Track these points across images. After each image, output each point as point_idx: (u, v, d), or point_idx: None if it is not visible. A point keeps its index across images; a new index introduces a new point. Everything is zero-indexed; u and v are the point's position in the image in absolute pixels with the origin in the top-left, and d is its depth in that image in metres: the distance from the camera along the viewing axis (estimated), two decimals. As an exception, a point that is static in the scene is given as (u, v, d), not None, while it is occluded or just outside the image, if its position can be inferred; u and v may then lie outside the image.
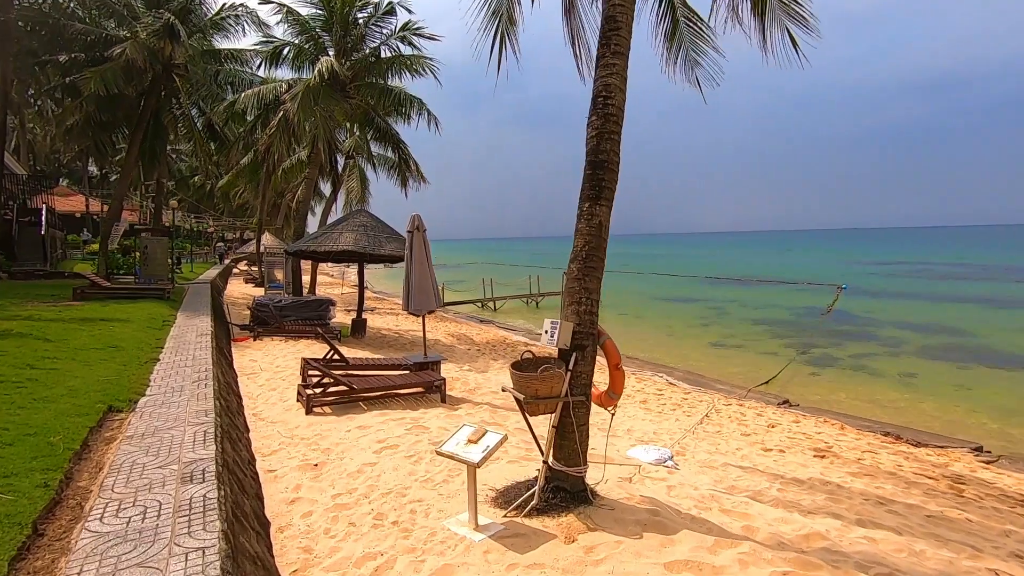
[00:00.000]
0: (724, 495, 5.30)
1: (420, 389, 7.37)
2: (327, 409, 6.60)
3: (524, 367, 4.26)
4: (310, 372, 7.98)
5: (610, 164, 4.34)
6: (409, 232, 8.06)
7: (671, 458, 6.36)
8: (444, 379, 7.38)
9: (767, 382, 12.93)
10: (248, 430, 5.75)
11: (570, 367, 4.15)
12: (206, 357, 6.89)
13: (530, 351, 4.35)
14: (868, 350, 17.03)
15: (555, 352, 4.39)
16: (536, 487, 4.01)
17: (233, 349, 10.52)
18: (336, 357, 8.31)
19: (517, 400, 4.08)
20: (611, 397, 4.47)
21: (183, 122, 17.17)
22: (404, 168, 15.95)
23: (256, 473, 4.55)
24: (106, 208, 29.76)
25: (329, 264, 34.97)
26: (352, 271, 45.40)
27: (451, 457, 3.83)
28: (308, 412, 6.36)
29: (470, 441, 3.90)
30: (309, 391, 6.58)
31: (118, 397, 5.02)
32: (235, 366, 8.70)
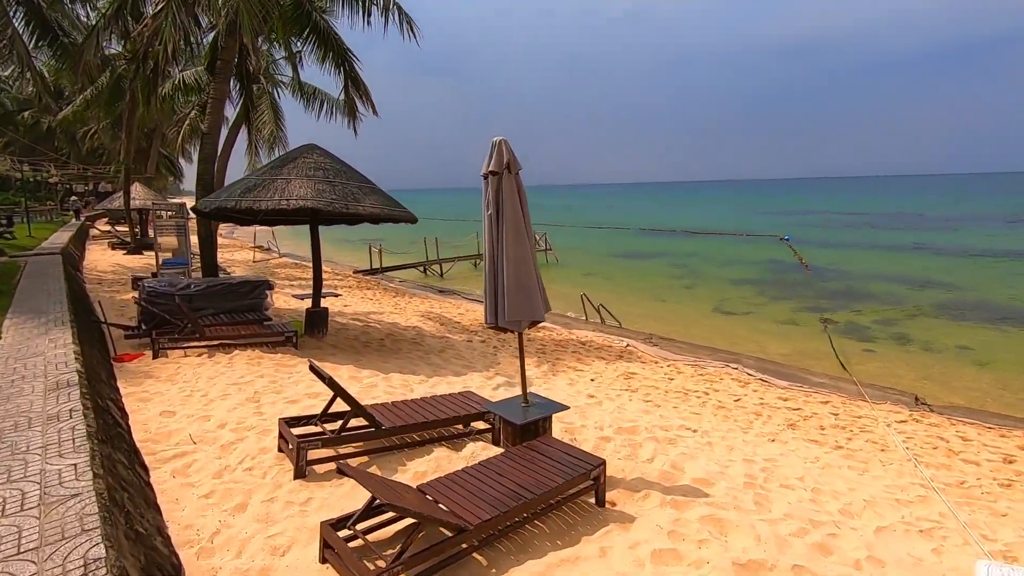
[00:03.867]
0: None
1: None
2: (410, 588, 2.83)
3: None
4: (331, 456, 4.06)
5: None
6: (493, 175, 4.18)
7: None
8: (603, 463, 3.80)
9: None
10: None
11: None
12: (83, 506, 2.74)
13: None
14: (884, 315, 15.52)
15: None
16: None
17: (120, 381, 6.05)
18: (347, 409, 4.40)
19: None
20: None
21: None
22: (353, 91, 11.20)
23: None
24: None
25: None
26: (244, 230, 38.55)
27: None
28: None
29: None
30: (378, 566, 2.74)
31: None
32: (138, 442, 4.44)
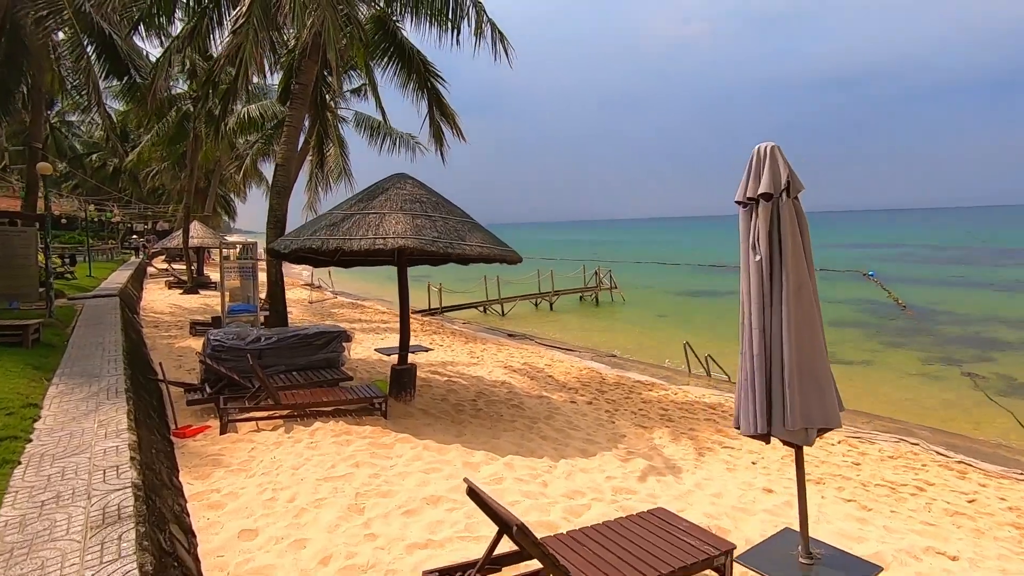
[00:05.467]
0: None
1: None
2: None
3: None
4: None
5: None
6: (764, 199, 2.72)
7: None
8: None
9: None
10: None
11: None
12: None
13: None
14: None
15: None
16: None
17: (183, 472, 4.72)
18: (505, 541, 2.86)
19: None
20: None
21: (65, 33, 10.18)
22: (440, 115, 10.11)
23: None
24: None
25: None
26: (292, 267, 38.36)
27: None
28: None
29: None
30: None
31: None
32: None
